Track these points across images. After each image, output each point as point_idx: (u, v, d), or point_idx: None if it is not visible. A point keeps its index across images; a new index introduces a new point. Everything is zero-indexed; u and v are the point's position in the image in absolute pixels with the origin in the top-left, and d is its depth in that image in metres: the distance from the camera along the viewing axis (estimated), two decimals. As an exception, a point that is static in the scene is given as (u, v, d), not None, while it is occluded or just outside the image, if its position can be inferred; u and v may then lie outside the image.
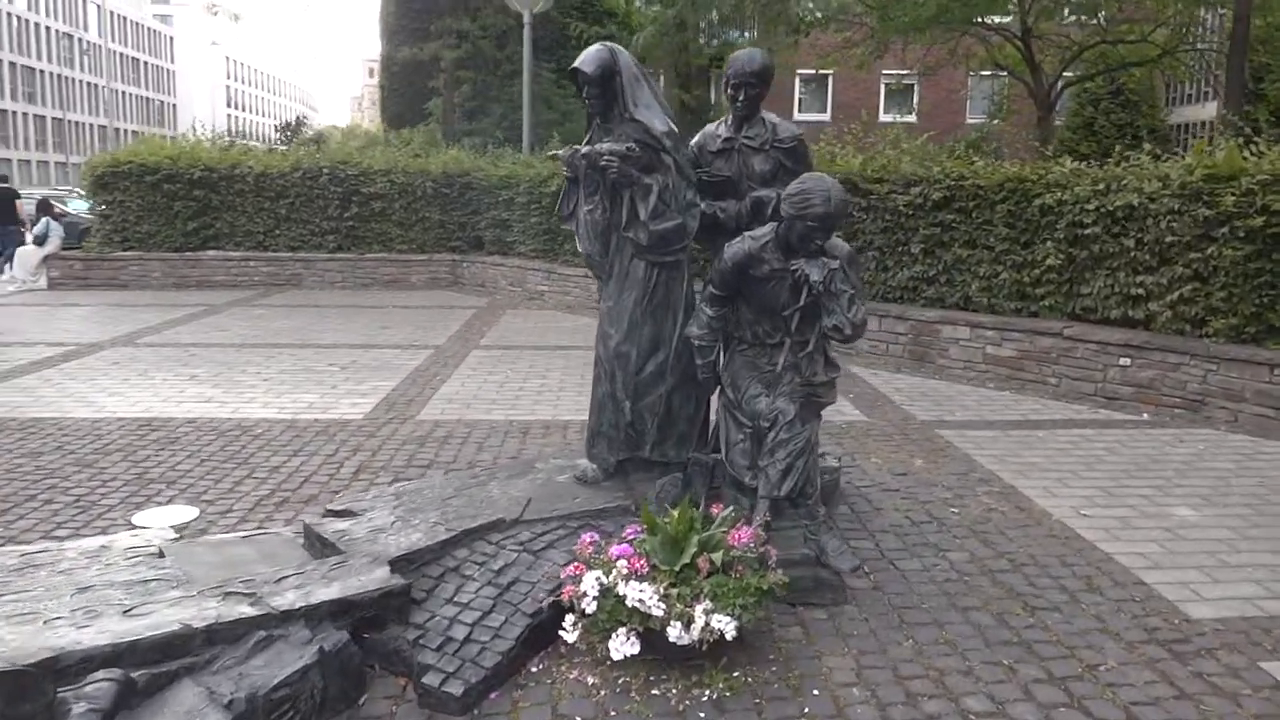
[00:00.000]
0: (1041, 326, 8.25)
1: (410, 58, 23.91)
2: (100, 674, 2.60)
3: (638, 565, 3.27)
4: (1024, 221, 8.47)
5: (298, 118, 49.88)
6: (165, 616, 3.00)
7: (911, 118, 25.71)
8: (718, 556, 3.30)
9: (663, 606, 3.16)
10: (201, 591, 3.22)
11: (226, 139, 18.61)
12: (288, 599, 3.22)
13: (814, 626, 3.71)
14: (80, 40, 67.15)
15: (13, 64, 60.06)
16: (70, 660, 2.74)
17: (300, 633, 3.10)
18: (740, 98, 4.39)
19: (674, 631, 3.16)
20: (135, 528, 4.75)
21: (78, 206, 23.54)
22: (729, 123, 4.54)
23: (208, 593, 3.22)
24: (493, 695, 3.22)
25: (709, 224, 4.49)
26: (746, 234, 4.01)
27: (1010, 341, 8.47)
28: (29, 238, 16.25)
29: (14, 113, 60.20)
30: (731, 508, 3.65)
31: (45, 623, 2.91)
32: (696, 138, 4.65)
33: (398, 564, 3.64)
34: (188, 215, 15.68)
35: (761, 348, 4.11)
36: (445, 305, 13.61)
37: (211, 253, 15.75)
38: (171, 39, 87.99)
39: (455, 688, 3.12)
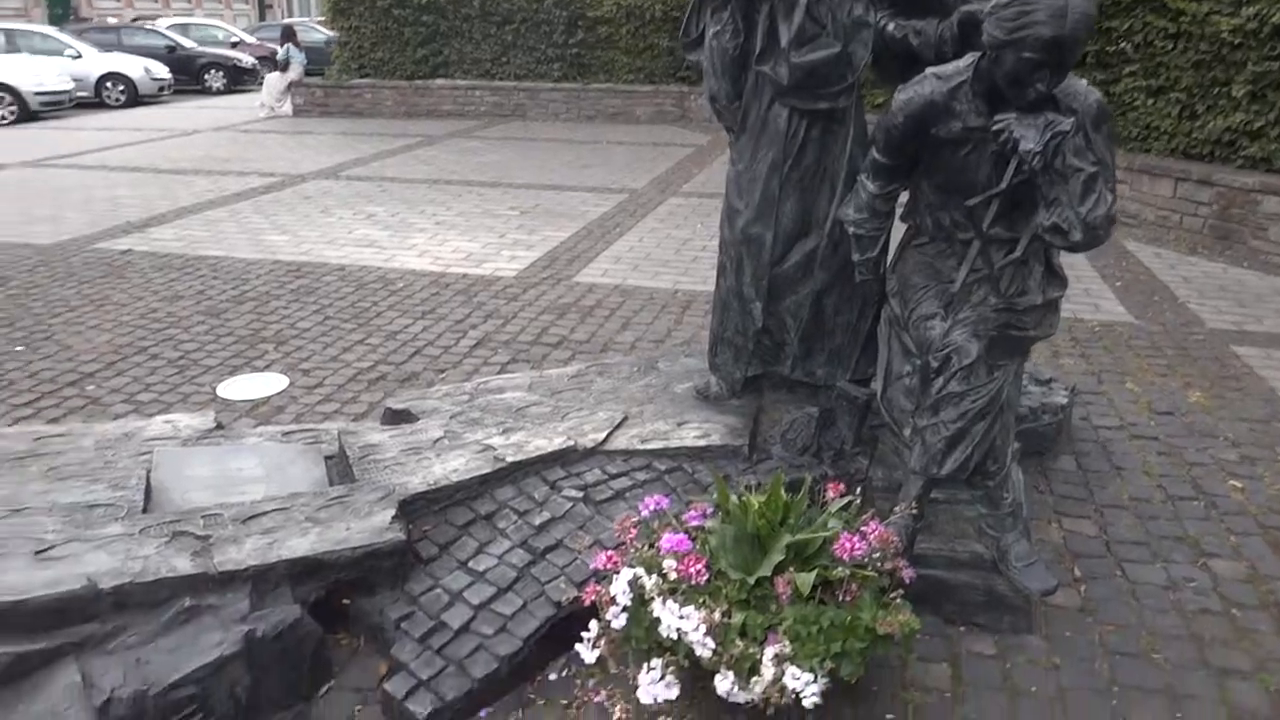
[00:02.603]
0: None
1: None
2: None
3: (692, 570, 2.22)
4: None
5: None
6: (75, 566, 2.36)
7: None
8: (807, 577, 2.17)
9: (712, 643, 2.12)
10: (147, 528, 2.56)
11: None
12: (242, 551, 2.48)
13: (971, 669, 2.53)
14: None
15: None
16: (-70, 622, 2.16)
17: (237, 605, 2.37)
18: None
19: (724, 683, 2.12)
20: (216, 399, 4.30)
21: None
22: (939, -103, 3.00)
23: (154, 530, 2.55)
24: (481, 714, 2.38)
25: (900, 54, 3.07)
26: (930, 71, 2.61)
27: (1365, 223, 6.22)
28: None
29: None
30: (851, 496, 2.47)
31: (-62, 559, 2.36)
32: (891, -77, 3.15)
33: (413, 505, 2.82)
34: (417, 42, 15.38)
35: (948, 245, 2.76)
36: (662, 142, 12.49)
37: (440, 81, 15.44)
38: None
39: (421, 705, 2.29)
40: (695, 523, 2.38)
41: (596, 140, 12.70)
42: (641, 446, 3.20)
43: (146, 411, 4.16)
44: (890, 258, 3.02)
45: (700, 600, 2.19)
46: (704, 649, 2.12)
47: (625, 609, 2.24)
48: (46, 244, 6.98)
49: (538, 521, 2.83)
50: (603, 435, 3.25)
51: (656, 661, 2.20)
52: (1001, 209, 2.52)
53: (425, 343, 5.02)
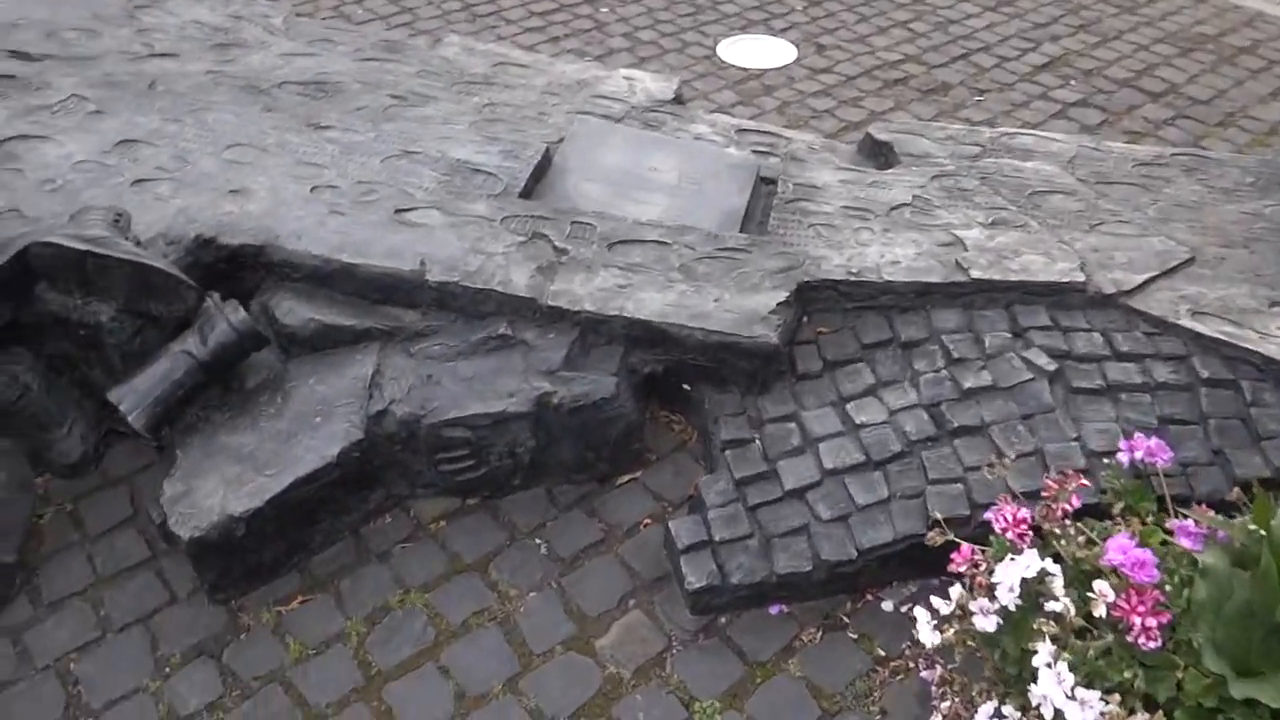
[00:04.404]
0: None
1: None
2: (230, 310, 1.84)
3: (1138, 620, 1.28)
4: None
5: None
6: (420, 242, 2.06)
7: None
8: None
9: (1108, 759, 1.23)
10: (509, 219, 2.17)
11: None
12: (588, 286, 2.00)
13: None
14: None
15: None
16: (275, 257, 2.03)
17: (551, 353, 1.93)
18: None
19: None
20: (711, 58, 3.73)
21: None
22: None
23: (515, 224, 2.16)
24: (773, 610, 1.78)
25: None
26: None
27: None
28: None
29: None
30: None
31: (313, 190, 2.20)
32: None
33: (816, 293, 2.09)
34: None
35: None
36: None
37: None
38: None
39: (696, 572, 1.74)
40: (1187, 543, 1.37)
41: None
42: (1188, 322, 2.04)
43: (640, 52, 3.75)
44: None
45: (1124, 678, 1.27)
46: (1090, 758, 1.25)
47: (1001, 612, 1.40)
48: None
49: (970, 383, 1.95)
50: (1138, 280, 2.15)
51: (1011, 711, 1.38)
52: None
53: (980, 46, 3.85)
